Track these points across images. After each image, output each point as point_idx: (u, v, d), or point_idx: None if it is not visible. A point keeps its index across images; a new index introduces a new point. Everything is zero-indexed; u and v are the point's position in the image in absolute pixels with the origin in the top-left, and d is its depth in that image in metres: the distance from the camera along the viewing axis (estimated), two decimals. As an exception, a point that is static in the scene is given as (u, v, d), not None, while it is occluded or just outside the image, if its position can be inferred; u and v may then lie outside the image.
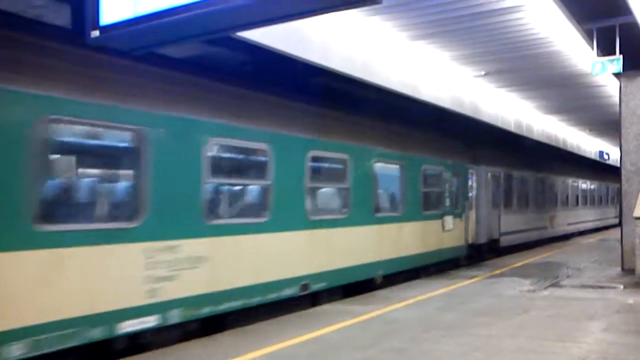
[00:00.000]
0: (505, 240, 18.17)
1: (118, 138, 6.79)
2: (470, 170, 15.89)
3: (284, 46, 8.37)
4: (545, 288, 11.03)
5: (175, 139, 6.86)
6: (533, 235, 20.89)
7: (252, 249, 7.90)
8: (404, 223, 12.01)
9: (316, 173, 9.62)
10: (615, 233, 21.01)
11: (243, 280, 7.71)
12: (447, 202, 14.02)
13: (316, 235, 9.34)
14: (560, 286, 11.33)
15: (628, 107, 13.90)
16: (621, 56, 11.22)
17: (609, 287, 11.13)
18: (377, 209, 11.24)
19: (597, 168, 31.70)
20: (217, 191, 7.79)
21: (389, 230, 11.52)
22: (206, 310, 7.15)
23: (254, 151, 8.42)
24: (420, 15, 9.64)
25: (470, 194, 15.85)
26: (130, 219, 6.34)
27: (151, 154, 6.52)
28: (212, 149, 7.39)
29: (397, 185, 12.10)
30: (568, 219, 25.69)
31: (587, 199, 29.33)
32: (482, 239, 16.49)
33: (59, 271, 5.60)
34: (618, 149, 14.70)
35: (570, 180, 26.21)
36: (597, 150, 28.87)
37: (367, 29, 10.07)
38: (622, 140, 14.02)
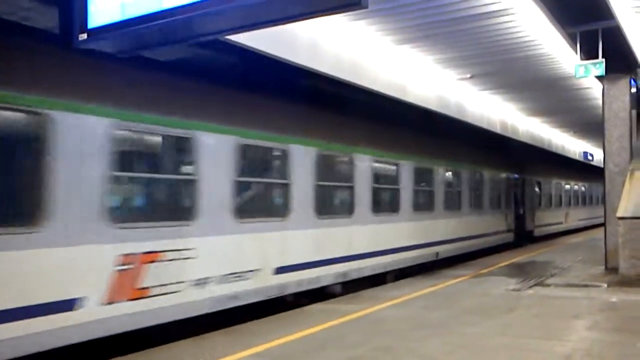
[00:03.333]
0: None
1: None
2: None
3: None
4: (531, 287, 11.16)
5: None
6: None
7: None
8: None
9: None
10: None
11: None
12: None
13: None
14: (546, 285, 11.48)
15: (611, 110, 14.09)
16: (604, 59, 11.40)
17: (593, 286, 11.28)
18: None
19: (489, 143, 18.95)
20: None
21: None
22: None
23: None
24: (405, 19, 9.75)
25: None
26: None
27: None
28: None
29: None
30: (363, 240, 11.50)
31: (432, 197, 14.55)
32: None
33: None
34: (601, 150, 14.88)
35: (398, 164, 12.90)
36: (582, 151, 29.09)
37: (352, 33, 10.17)
38: (606, 142, 14.19)
